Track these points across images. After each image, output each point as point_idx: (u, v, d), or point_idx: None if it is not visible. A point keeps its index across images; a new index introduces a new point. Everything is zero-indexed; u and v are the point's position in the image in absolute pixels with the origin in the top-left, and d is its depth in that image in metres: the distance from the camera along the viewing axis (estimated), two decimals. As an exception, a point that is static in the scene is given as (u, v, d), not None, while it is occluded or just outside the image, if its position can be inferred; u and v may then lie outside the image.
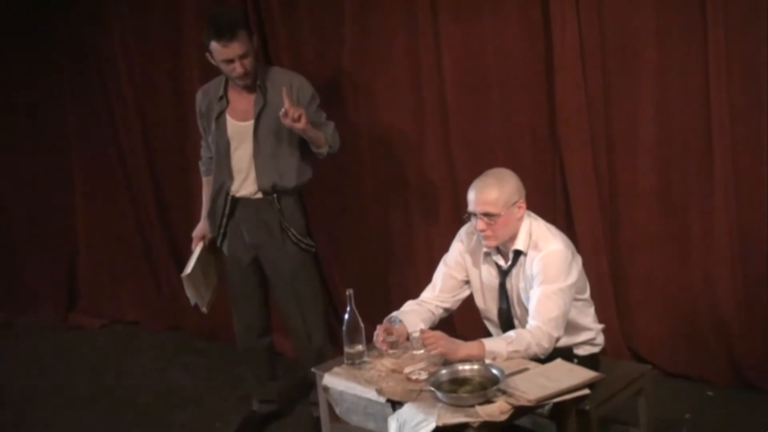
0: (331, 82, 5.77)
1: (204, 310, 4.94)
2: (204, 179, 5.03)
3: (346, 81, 5.77)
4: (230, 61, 4.54)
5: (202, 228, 4.96)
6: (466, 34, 5.36)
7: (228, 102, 4.74)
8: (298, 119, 4.45)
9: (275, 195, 4.75)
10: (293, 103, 4.53)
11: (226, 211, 4.84)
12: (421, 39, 5.46)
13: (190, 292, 4.88)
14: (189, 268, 4.85)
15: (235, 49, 4.51)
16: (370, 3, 5.61)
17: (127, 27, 6.54)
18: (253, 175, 4.75)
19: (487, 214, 3.85)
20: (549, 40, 5.12)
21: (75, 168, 7.12)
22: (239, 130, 4.72)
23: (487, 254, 4.03)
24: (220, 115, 4.73)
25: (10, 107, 7.05)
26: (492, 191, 3.85)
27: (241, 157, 4.75)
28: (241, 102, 4.72)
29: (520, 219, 3.91)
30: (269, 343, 5.20)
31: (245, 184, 4.78)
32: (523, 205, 3.90)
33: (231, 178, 4.79)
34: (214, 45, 4.52)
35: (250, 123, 4.69)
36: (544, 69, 5.21)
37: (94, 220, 7.14)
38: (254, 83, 4.67)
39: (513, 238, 3.92)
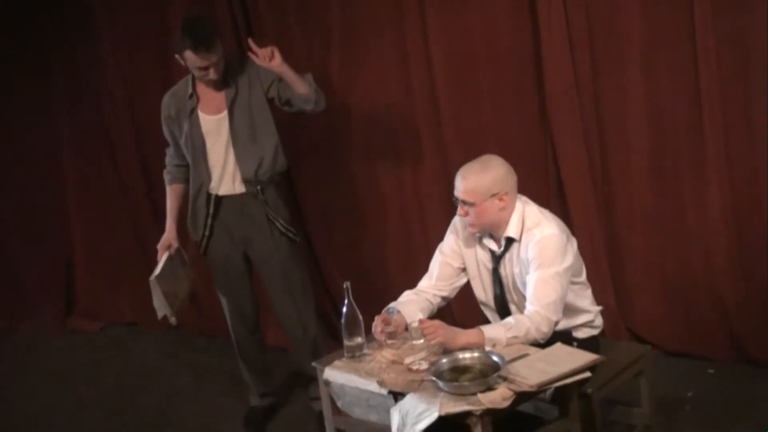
0: (320, 73, 5.74)
1: (173, 320, 4.86)
2: (168, 188, 4.99)
3: (334, 72, 5.76)
4: (204, 68, 4.56)
5: (167, 238, 4.90)
6: (453, 23, 5.35)
7: (198, 98, 4.74)
8: (272, 55, 4.48)
9: (259, 187, 4.75)
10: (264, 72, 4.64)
11: (210, 211, 4.83)
12: (408, 30, 5.46)
13: (157, 302, 4.80)
14: (157, 271, 4.78)
15: (211, 58, 4.53)
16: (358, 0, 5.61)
17: (117, 33, 6.52)
18: (231, 169, 4.76)
19: (465, 202, 3.88)
20: (536, 25, 5.11)
21: (68, 173, 7.10)
22: (213, 124, 4.73)
23: (481, 239, 4.03)
24: (192, 112, 4.73)
25: (2, 115, 7.03)
26: (471, 180, 3.87)
27: (219, 152, 4.75)
28: (212, 95, 4.73)
29: (504, 209, 3.89)
30: (261, 337, 5.26)
31: (225, 180, 4.79)
32: (506, 198, 3.86)
33: (209, 176, 4.79)
34: (189, 54, 4.53)
35: (224, 115, 4.70)
36: (532, 54, 5.21)
37: (89, 224, 7.14)
38: (224, 77, 4.68)
39: (504, 224, 3.92)
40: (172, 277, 4.87)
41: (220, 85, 4.69)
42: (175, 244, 4.90)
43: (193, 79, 4.74)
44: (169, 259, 4.86)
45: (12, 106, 7.01)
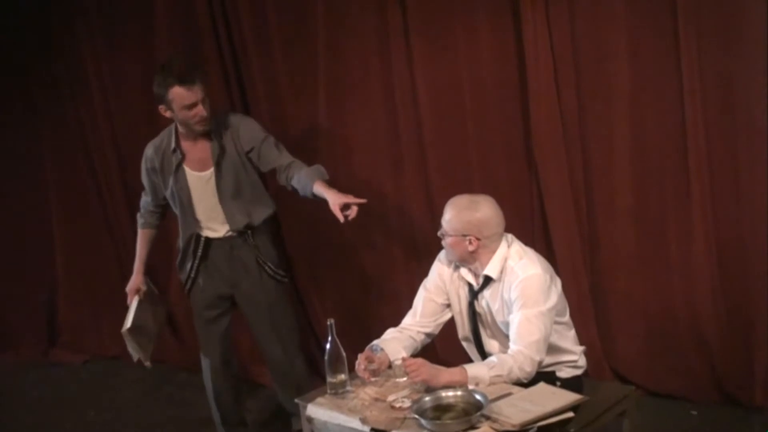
0: (306, 109, 5.80)
1: (147, 364, 4.89)
2: (140, 231, 5.00)
3: (320, 108, 5.78)
4: (193, 105, 4.50)
5: (135, 282, 4.93)
6: (439, 58, 5.37)
7: (183, 154, 4.70)
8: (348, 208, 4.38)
9: (249, 232, 4.77)
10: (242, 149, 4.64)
11: (199, 253, 4.83)
12: (394, 64, 5.48)
13: (131, 347, 4.83)
14: (128, 322, 4.80)
15: (197, 92, 4.48)
16: (343, 29, 5.62)
17: (101, 58, 6.53)
18: (220, 219, 4.76)
19: (442, 227, 3.95)
20: (522, 62, 5.13)
21: (54, 206, 7.11)
22: (199, 181, 4.72)
23: (459, 269, 4.05)
24: (178, 167, 4.70)
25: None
26: (450, 212, 3.94)
27: (206, 206, 4.76)
28: (196, 152, 4.70)
29: (474, 252, 3.92)
30: (238, 387, 5.22)
31: (214, 227, 4.79)
32: (476, 243, 3.90)
33: (199, 226, 4.80)
34: (176, 90, 4.46)
35: (210, 172, 4.69)
36: (518, 91, 5.23)
37: (73, 257, 7.12)
38: (208, 135, 4.65)
39: (477, 263, 3.96)
40: (145, 321, 4.90)
41: (203, 136, 4.64)
42: (144, 288, 4.91)
43: (176, 132, 4.69)
44: (140, 303, 4.87)
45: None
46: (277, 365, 5.01)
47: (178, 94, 4.47)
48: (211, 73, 5.43)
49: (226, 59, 5.90)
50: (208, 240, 4.82)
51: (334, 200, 4.34)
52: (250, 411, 5.47)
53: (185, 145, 4.70)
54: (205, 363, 5.08)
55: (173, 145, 4.68)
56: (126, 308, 4.91)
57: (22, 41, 6.77)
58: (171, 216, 5.07)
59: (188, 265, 4.88)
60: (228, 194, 4.71)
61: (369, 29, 5.55)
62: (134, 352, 4.85)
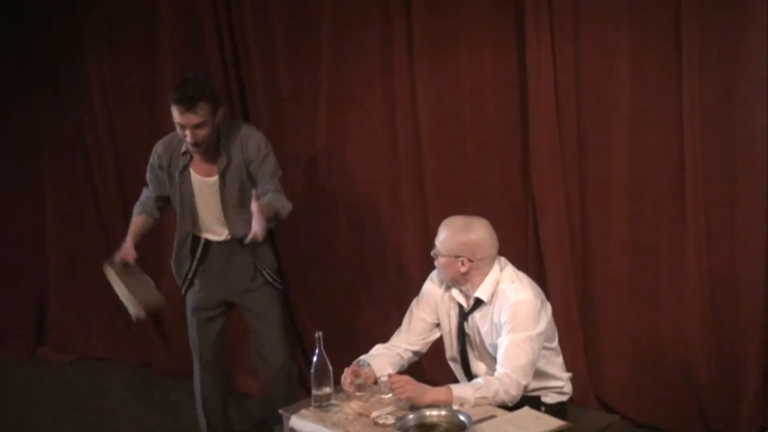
0: (306, 121, 5.80)
1: (141, 314, 4.71)
2: (135, 217, 4.92)
3: (320, 121, 5.79)
4: (183, 127, 4.53)
5: (126, 248, 4.73)
6: (441, 79, 5.39)
7: (192, 156, 4.72)
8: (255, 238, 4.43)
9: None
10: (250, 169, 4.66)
11: (198, 255, 4.84)
12: (396, 84, 5.49)
13: (119, 292, 4.72)
14: (115, 258, 4.69)
15: (191, 118, 4.48)
16: (347, 44, 5.64)
17: (103, 62, 6.54)
18: (221, 223, 4.77)
19: (436, 247, 3.96)
20: (524, 87, 5.16)
21: (48, 204, 7.10)
22: (204, 185, 4.73)
23: (450, 289, 4.06)
24: (185, 169, 4.72)
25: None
26: (445, 232, 3.96)
27: (208, 210, 4.76)
28: (204, 158, 4.71)
29: (466, 274, 3.93)
30: (227, 394, 5.23)
31: (215, 229, 4.80)
32: (469, 264, 3.90)
33: (198, 228, 4.81)
34: (173, 108, 4.50)
35: (215, 179, 4.70)
36: (518, 116, 5.24)
37: (64, 256, 7.11)
38: (217, 145, 4.65)
39: (469, 285, 3.96)
40: (134, 281, 4.73)
41: (216, 143, 4.65)
42: (132, 256, 4.72)
43: None
44: (131, 268, 4.73)
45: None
46: (268, 372, 5.00)
47: (173, 111, 4.52)
48: (213, 80, 5.42)
49: (228, 67, 5.90)
50: (207, 242, 4.82)
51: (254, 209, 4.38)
52: (235, 420, 5.46)
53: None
54: (195, 367, 5.07)
55: (184, 147, 4.70)
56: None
57: (23, 42, 6.79)
58: (166, 219, 5.07)
59: (186, 266, 4.88)
60: (231, 203, 4.72)
61: (373, 45, 5.57)
62: (124, 299, 4.73)
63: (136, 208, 4.96)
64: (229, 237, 4.79)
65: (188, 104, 4.46)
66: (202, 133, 4.53)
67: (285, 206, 4.63)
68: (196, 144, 4.56)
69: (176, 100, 4.48)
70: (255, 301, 4.90)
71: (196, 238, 4.83)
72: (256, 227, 4.35)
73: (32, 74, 6.85)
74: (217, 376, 5.08)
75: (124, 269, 4.74)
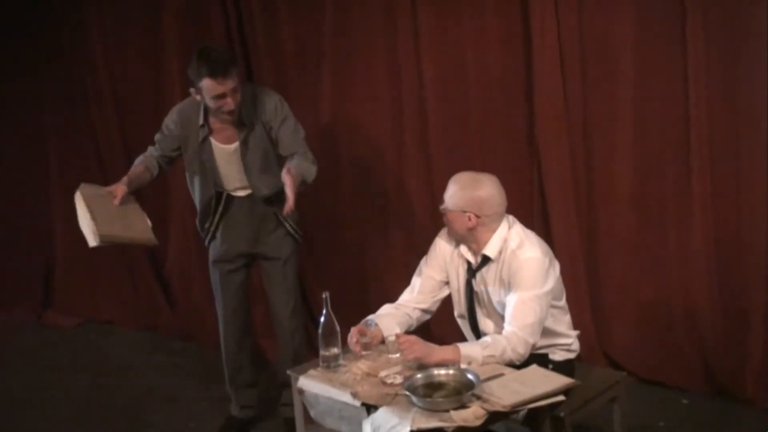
0: (311, 83, 5.78)
1: (95, 239, 4.59)
2: (134, 166, 4.81)
3: (324, 83, 5.79)
4: (222, 96, 4.46)
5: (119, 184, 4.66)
6: (445, 38, 5.38)
7: (210, 129, 4.67)
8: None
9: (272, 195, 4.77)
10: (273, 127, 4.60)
11: (220, 209, 4.83)
12: (400, 43, 5.48)
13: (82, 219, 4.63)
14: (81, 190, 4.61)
15: (228, 84, 4.44)
16: (351, 4, 5.62)
17: (108, 36, 6.54)
18: (244, 185, 4.75)
19: (444, 202, 3.96)
20: (528, 45, 5.14)
21: (53, 170, 7.10)
22: (225, 152, 4.70)
23: (459, 246, 4.05)
24: (205, 140, 4.68)
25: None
26: (453, 187, 3.95)
27: (231, 174, 4.74)
28: (224, 127, 4.67)
29: (472, 229, 3.92)
30: (251, 346, 5.22)
31: (237, 189, 4.79)
32: (475, 219, 3.89)
33: (222, 187, 4.78)
34: (206, 81, 4.43)
35: (236, 145, 4.67)
36: (523, 74, 5.23)
37: (72, 221, 7.07)
38: (239, 116, 4.62)
39: (483, 241, 3.94)
40: (118, 216, 4.62)
41: (235, 120, 4.61)
42: (121, 190, 4.62)
43: (206, 110, 4.65)
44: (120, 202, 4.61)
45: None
46: (282, 327, 5.01)
47: (208, 85, 4.44)
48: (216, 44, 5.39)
49: (232, 32, 5.88)
50: (229, 197, 4.82)
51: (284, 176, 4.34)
52: (261, 381, 5.44)
53: (212, 119, 4.66)
54: (219, 320, 5.09)
55: (201, 121, 4.65)
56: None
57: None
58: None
59: (209, 219, 4.88)
60: (255, 168, 4.70)
61: (376, 5, 5.54)
62: (84, 224, 4.61)
63: (137, 160, 4.89)
64: (250, 191, 4.80)
65: (223, 71, 4.41)
66: (239, 95, 4.51)
67: (310, 172, 4.58)
68: (233, 110, 4.52)
69: (210, 71, 4.40)
70: (275, 251, 4.89)
71: (218, 194, 4.82)
72: (290, 199, 4.30)
73: (35, 43, 6.84)
74: (239, 329, 5.08)
75: (100, 198, 4.63)
